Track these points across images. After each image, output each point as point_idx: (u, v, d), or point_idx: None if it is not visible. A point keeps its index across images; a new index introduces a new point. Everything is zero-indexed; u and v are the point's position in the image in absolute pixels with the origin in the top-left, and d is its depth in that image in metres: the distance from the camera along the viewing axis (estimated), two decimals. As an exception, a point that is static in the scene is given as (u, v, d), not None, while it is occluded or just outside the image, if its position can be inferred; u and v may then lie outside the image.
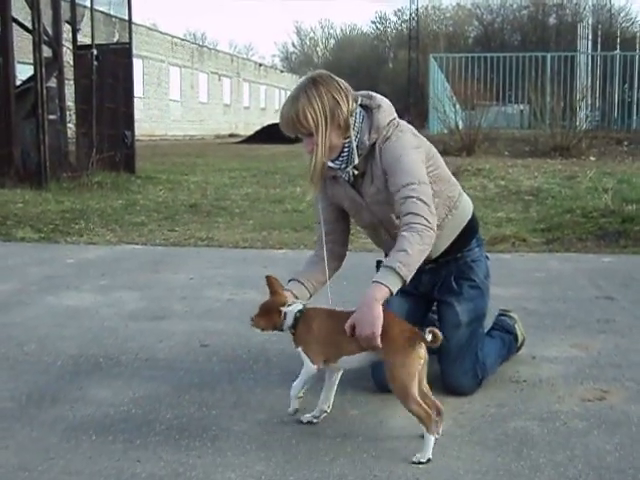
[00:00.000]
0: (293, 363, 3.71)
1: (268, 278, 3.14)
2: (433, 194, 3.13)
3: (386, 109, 3.21)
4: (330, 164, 3.20)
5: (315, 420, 3.05)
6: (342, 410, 3.17)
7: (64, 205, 10.34)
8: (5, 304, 5.10)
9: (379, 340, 2.79)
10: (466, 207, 3.46)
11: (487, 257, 3.58)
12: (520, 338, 3.82)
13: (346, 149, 3.16)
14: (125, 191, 12.26)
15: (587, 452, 2.76)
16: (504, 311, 3.93)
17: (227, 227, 8.82)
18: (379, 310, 2.82)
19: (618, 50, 28.29)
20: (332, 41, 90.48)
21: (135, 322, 4.65)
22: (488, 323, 3.67)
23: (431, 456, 2.70)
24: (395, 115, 3.26)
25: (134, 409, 3.22)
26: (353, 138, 3.14)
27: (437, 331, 2.79)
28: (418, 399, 2.76)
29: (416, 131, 3.30)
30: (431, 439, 2.73)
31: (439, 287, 3.42)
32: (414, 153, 3.13)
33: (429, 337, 2.77)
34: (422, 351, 2.78)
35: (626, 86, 22.76)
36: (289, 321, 3.05)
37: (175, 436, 2.94)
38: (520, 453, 2.76)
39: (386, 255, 3.62)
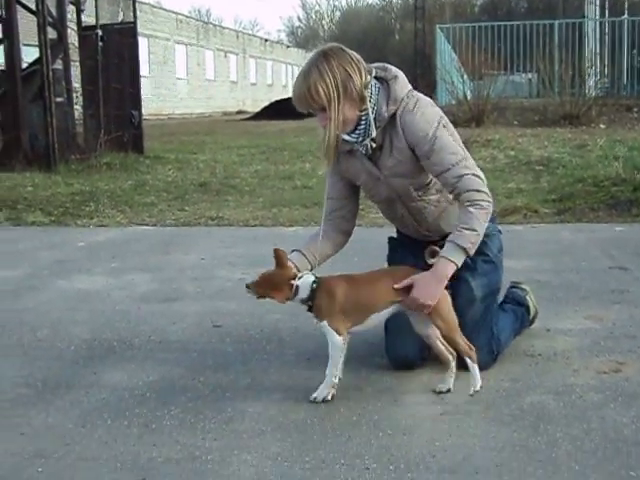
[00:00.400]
0: (307, 342, 3.73)
1: (276, 251, 3.11)
2: None
3: (402, 80, 3.20)
4: (347, 137, 3.18)
5: (330, 396, 3.05)
6: (357, 388, 3.17)
7: (73, 187, 10.34)
8: (17, 289, 5.11)
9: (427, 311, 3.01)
10: None
11: (500, 231, 3.56)
12: (532, 310, 3.81)
13: (363, 122, 3.14)
14: (134, 172, 12.25)
15: (604, 425, 2.75)
16: (515, 283, 3.91)
17: (237, 205, 8.81)
18: (442, 287, 3.02)
19: (626, 15, 28.00)
20: (337, 14, 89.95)
21: (147, 304, 4.65)
22: (500, 296, 3.65)
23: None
24: (410, 86, 3.24)
25: (149, 393, 3.23)
26: (370, 110, 3.12)
27: (434, 247, 3.07)
28: (461, 334, 3.06)
29: (432, 102, 3.28)
30: (476, 367, 3.05)
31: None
32: (444, 127, 3.14)
33: (432, 260, 3.05)
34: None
35: (635, 51, 22.53)
36: (303, 294, 3.04)
37: (190, 419, 2.94)
38: (537, 428, 2.74)
39: (398, 231, 3.62)
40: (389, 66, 3.25)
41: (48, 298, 4.86)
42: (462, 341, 3.05)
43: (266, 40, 64.75)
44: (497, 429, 2.75)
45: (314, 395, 3.05)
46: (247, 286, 3.10)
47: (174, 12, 46.89)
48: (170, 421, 2.94)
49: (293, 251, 3.30)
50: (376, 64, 3.28)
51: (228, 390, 3.23)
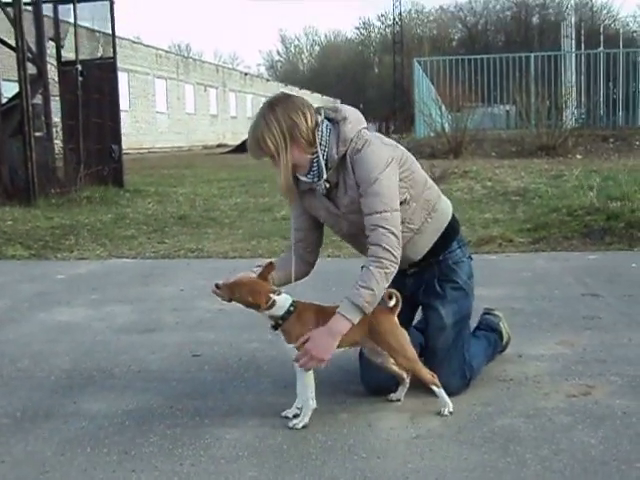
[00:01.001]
0: (283, 370, 3.78)
1: (270, 264, 3.23)
2: (410, 199, 3.25)
3: (352, 120, 3.26)
4: (303, 178, 3.29)
5: (305, 422, 3.12)
6: (332, 414, 3.23)
7: (53, 221, 10.36)
8: (-3, 322, 5.14)
9: (323, 365, 3.10)
10: (445, 209, 3.49)
11: (470, 257, 3.62)
12: (505, 336, 3.88)
13: (315, 163, 3.23)
14: (114, 205, 12.28)
15: (572, 446, 2.82)
16: (488, 310, 3.99)
17: (216, 238, 8.86)
18: (336, 343, 3.07)
19: (602, 47, 28.44)
20: (317, 48, 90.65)
21: (127, 335, 4.69)
22: (473, 322, 3.73)
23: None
24: (364, 125, 3.31)
25: (128, 421, 3.27)
26: (320, 153, 3.21)
27: (393, 291, 3.15)
28: (422, 365, 3.18)
29: (385, 138, 3.35)
30: (443, 392, 3.18)
31: (423, 290, 3.48)
32: (388, 172, 3.16)
33: (391, 303, 3.16)
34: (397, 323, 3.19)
35: (610, 83, 22.87)
36: (279, 311, 3.13)
37: (169, 446, 2.99)
38: (506, 450, 2.82)
39: None
40: (341, 107, 3.34)
41: (29, 330, 4.90)
42: (424, 371, 3.17)
43: (246, 74, 65.05)
44: (468, 451, 2.82)
45: (293, 422, 3.12)
46: (217, 286, 3.19)
47: (154, 47, 47.09)
48: (149, 448, 2.98)
49: (259, 266, 3.36)
50: (330, 105, 3.41)
51: (206, 417, 3.28)
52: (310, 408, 3.15)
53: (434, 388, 3.17)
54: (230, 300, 3.21)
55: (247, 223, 10.00)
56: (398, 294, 3.16)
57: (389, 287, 3.14)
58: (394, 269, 3.11)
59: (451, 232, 3.49)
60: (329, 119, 3.27)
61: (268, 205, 11.60)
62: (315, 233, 3.51)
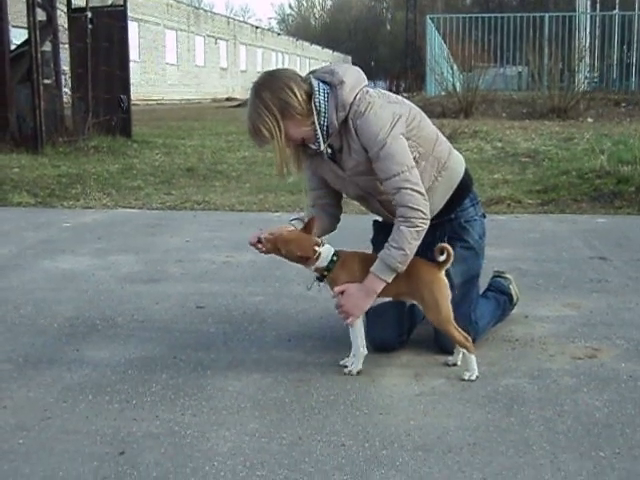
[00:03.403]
0: (288, 324, 3.79)
1: (312, 219, 3.21)
2: (418, 157, 3.20)
3: (350, 82, 3.17)
4: (310, 145, 3.25)
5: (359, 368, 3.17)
6: (335, 369, 3.21)
7: (60, 170, 10.33)
8: (2, 268, 5.13)
9: (349, 321, 3.14)
10: (457, 167, 3.43)
11: (484, 215, 3.58)
12: (515, 298, 3.86)
13: (317, 132, 3.18)
14: (121, 155, 12.24)
15: (576, 408, 2.80)
16: (498, 272, 3.96)
17: (224, 191, 8.83)
18: (370, 301, 3.12)
19: (617, 10, 28.06)
20: (329, 2, 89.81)
21: (131, 285, 4.68)
22: (483, 284, 3.70)
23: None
24: (364, 83, 3.22)
25: (130, 370, 3.26)
26: (318, 121, 3.15)
27: (445, 245, 3.09)
28: (456, 325, 3.11)
29: (392, 95, 3.30)
30: (473, 358, 3.10)
31: (433, 249, 3.44)
32: (396, 131, 3.11)
33: (442, 257, 3.10)
34: (445, 278, 3.13)
35: (624, 47, 22.62)
36: (323, 263, 3.13)
37: (171, 396, 2.98)
38: (510, 409, 2.80)
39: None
40: (336, 68, 3.24)
41: (32, 277, 4.89)
42: (457, 332, 3.10)
43: (257, 27, 64.59)
44: (472, 410, 2.80)
45: (349, 368, 3.17)
46: (258, 239, 3.15)
47: (165, -4, 46.71)
48: (151, 397, 2.97)
49: (295, 219, 3.37)
50: (323, 67, 3.31)
51: (209, 368, 3.27)
52: (362, 355, 3.17)
53: (464, 351, 3.12)
54: (268, 253, 3.18)
55: (254, 177, 9.95)
56: (450, 249, 3.10)
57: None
58: (425, 225, 3.10)
59: (464, 189, 3.44)
60: (325, 82, 3.19)
61: (276, 159, 11.51)
62: (333, 189, 3.48)
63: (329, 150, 3.24)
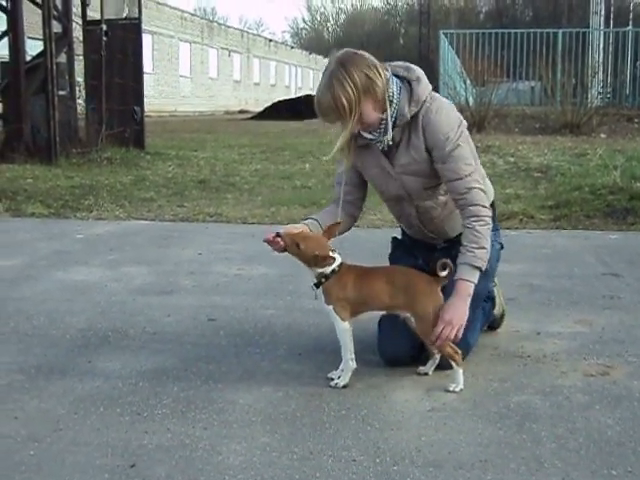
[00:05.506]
0: (299, 338, 3.79)
1: (335, 225, 3.21)
2: None
3: (425, 81, 3.25)
4: (367, 135, 3.26)
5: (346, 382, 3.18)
6: (347, 383, 3.20)
7: (74, 181, 10.38)
8: (15, 279, 5.15)
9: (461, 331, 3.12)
10: (488, 192, 3.45)
11: (502, 245, 3.64)
12: (498, 307, 3.83)
13: (384, 122, 3.19)
14: (134, 167, 12.29)
15: (588, 426, 2.79)
16: None
17: (236, 203, 8.85)
18: (468, 305, 3.13)
19: (630, 26, 28.04)
20: (343, 16, 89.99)
21: (143, 296, 4.69)
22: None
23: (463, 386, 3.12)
24: (431, 87, 3.29)
25: (142, 382, 3.27)
26: (391, 111, 3.18)
27: (447, 262, 3.10)
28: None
29: (453, 105, 3.35)
30: (461, 371, 3.12)
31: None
32: (465, 135, 3.22)
33: (443, 273, 3.11)
34: (441, 294, 3.16)
35: (638, 63, 22.56)
36: (327, 269, 3.13)
37: (182, 409, 2.98)
38: (522, 426, 2.79)
39: (403, 232, 3.68)
40: (412, 66, 3.31)
41: (45, 288, 4.90)
42: (448, 347, 3.12)
43: (270, 40, 64.75)
44: (483, 426, 2.80)
45: (335, 381, 3.17)
46: (278, 234, 3.14)
47: (179, 9, 46.91)
48: (162, 410, 2.97)
49: (308, 218, 3.38)
50: (399, 63, 3.35)
51: (220, 382, 3.27)
52: (350, 368, 3.17)
53: (453, 364, 3.13)
54: (284, 251, 3.17)
55: (267, 190, 9.97)
56: (452, 266, 3.13)
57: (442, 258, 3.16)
58: (491, 222, 3.23)
59: None
60: (399, 77, 3.24)
61: (288, 173, 11.56)
62: (362, 189, 3.53)
63: (389, 142, 3.26)
